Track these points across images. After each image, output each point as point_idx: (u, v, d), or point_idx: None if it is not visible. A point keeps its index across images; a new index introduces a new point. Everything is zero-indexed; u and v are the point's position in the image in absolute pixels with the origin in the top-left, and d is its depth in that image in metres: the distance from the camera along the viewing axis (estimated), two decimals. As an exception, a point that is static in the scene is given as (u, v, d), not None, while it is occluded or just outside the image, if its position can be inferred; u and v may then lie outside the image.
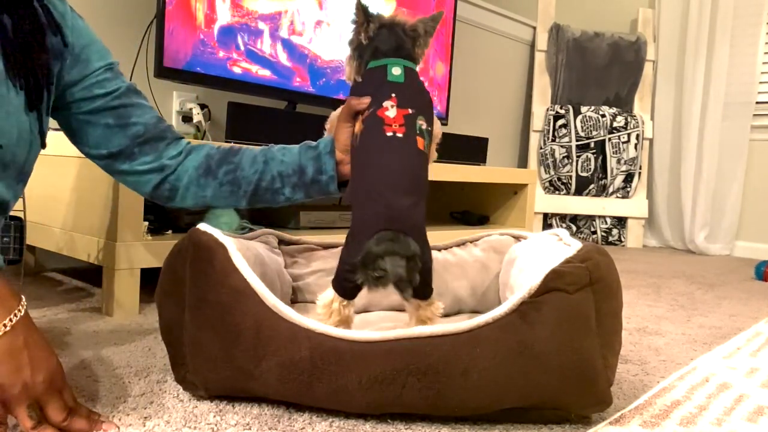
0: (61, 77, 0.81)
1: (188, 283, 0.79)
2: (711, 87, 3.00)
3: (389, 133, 0.86)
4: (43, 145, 0.79)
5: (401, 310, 1.24)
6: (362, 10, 0.91)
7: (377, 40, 0.93)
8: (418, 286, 0.83)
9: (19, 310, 0.62)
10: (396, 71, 0.90)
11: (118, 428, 0.69)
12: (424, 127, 0.89)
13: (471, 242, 1.28)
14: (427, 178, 0.88)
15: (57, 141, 1.32)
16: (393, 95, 0.88)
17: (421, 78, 0.95)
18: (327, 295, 0.88)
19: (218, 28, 1.58)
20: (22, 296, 0.64)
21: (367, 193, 0.84)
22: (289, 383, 0.74)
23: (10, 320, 0.61)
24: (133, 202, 1.18)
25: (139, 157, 0.88)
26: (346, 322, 0.87)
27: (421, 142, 0.87)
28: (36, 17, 0.75)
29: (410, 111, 0.88)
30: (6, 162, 0.72)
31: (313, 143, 0.95)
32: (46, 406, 0.63)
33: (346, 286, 0.85)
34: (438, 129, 0.97)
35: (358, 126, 0.90)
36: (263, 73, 1.70)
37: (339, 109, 0.96)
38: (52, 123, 0.86)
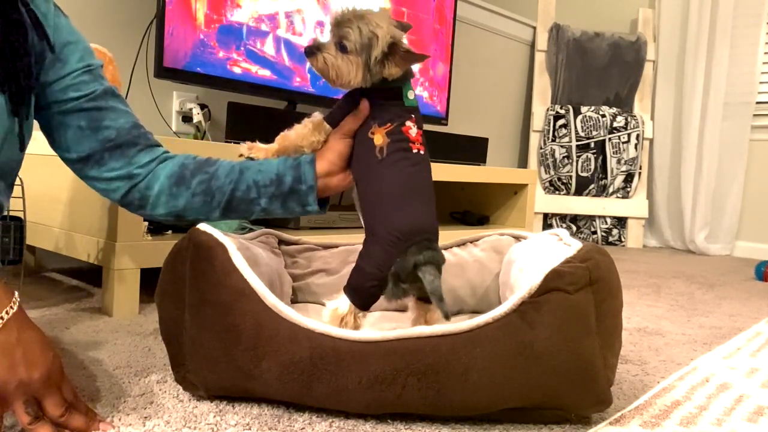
0: (40, 77, 0.80)
1: (188, 283, 0.79)
2: (711, 87, 3.00)
3: (415, 150, 0.89)
4: (22, 149, 0.78)
5: (401, 310, 1.24)
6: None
7: None
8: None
9: (11, 307, 0.62)
10: (411, 96, 0.91)
11: (115, 428, 0.69)
12: None
13: (471, 242, 1.28)
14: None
15: (57, 141, 1.32)
16: (412, 116, 0.91)
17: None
18: (338, 305, 0.87)
19: (218, 27, 1.58)
20: (15, 292, 0.64)
21: (396, 203, 0.86)
22: (289, 383, 0.74)
23: (2, 317, 0.61)
24: (133, 202, 1.18)
25: (107, 163, 0.86)
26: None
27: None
28: (20, 20, 0.74)
29: (421, 132, 0.92)
30: None
31: (293, 158, 0.91)
32: (44, 402, 0.63)
33: (365, 297, 0.86)
34: None
35: (379, 138, 0.89)
36: (263, 73, 1.70)
37: (318, 114, 0.93)
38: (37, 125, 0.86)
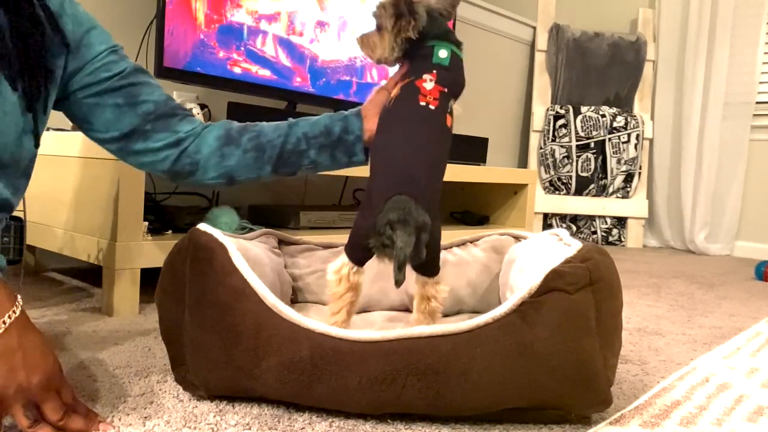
0: (63, 70, 0.80)
1: (188, 283, 0.79)
2: (711, 87, 3.00)
3: (422, 103, 0.89)
4: (37, 146, 0.78)
5: (401, 310, 1.25)
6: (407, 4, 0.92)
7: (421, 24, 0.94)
8: (426, 262, 0.84)
9: (14, 311, 0.62)
10: (443, 54, 0.93)
11: (114, 428, 0.69)
12: (454, 107, 0.93)
13: (471, 242, 1.29)
14: (447, 156, 0.91)
15: (57, 141, 1.32)
16: (434, 71, 0.92)
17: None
18: (337, 262, 0.90)
19: (218, 27, 1.58)
20: (18, 297, 0.64)
21: (390, 156, 0.86)
22: (289, 383, 0.74)
23: (4, 322, 0.61)
24: (133, 202, 1.18)
25: (152, 134, 0.88)
26: (355, 290, 0.89)
27: (449, 120, 0.91)
28: (34, 15, 0.74)
29: (446, 90, 0.91)
30: (4, 162, 0.72)
31: (340, 113, 0.96)
32: (43, 406, 0.63)
33: (358, 251, 0.87)
34: (458, 110, 0.98)
35: (395, 90, 0.93)
36: (263, 73, 1.70)
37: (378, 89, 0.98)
38: (49, 122, 0.85)
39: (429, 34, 0.93)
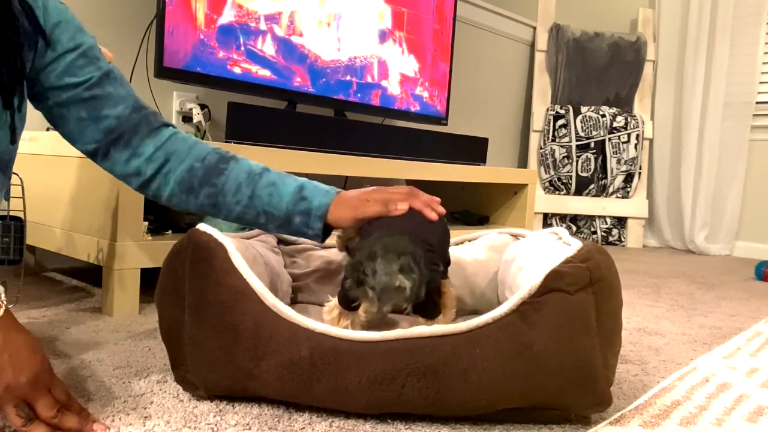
0: (33, 62, 0.77)
1: (188, 283, 0.79)
2: (711, 87, 3.00)
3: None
4: (13, 142, 0.75)
5: (401, 311, 1.24)
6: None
7: None
8: (423, 301, 0.80)
9: None
10: None
11: (108, 429, 0.69)
12: None
13: (469, 241, 1.28)
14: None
15: (57, 141, 1.32)
16: None
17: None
18: (331, 303, 0.91)
19: (218, 28, 1.58)
20: (2, 295, 0.63)
21: (394, 227, 0.83)
22: (289, 383, 0.74)
23: None
24: (133, 202, 1.18)
25: (113, 156, 0.85)
26: (351, 323, 0.91)
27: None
28: (8, 6, 0.71)
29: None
30: None
31: (308, 191, 0.89)
32: (35, 404, 0.63)
33: (344, 294, 0.87)
34: None
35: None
36: (263, 73, 1.70)
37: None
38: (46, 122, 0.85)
39: None
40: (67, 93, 0.81)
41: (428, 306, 0.86)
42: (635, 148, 3.07)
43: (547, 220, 3.07)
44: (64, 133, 0.85)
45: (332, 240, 1.01)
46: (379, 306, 0.75)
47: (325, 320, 0.90)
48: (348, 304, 0.86)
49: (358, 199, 0.90)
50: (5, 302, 0.63)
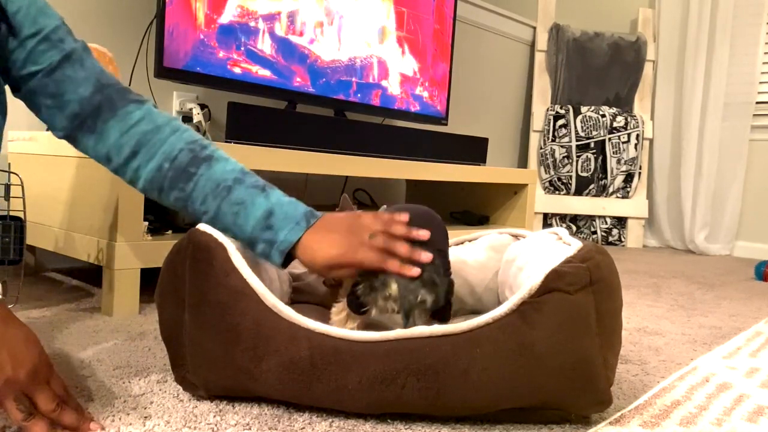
0: (1, 51, 0.75)
1: (188, 283, 0.79)
2: (711, 87, 3.00)
3: None
4: None
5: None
6: None
7: None
8: (441, 307, 0.83)
9: None
10: None
11: (104, 429, 0.69)
12: None
13: (469, 241, 1.28)
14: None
15: (57, 141, 1.32)
16: None
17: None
18: (339, 305, 0.90)
19: (218, 27, 1.58)
20: None
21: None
22: (289, 383, 0.74)
23: None
24: (133, 202, 1.18)
25: (81, 142, 0.83)
26: (358, 326, 0.90)
27: None
28: None
29: None
30: None
31: (276, 219, 0.82)
32: (35, 398, 0.63)
33: (354, 299, 0.87)
34: None
35: None
36: (263, 73, 1.70)
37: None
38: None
39: None
40: (32, 81, 0.78)
41: (446, 311, 0.89)
42: (635, 148, 3.07)
43: (547, 220, 3.07)
44: (43, 120, 0.83)
45: None
46: (407, 324, 0.77)
47: (333, 320, 0.89)
48: (357, 308, 0.86)
49: (345, 235, 0.82)
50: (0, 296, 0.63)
